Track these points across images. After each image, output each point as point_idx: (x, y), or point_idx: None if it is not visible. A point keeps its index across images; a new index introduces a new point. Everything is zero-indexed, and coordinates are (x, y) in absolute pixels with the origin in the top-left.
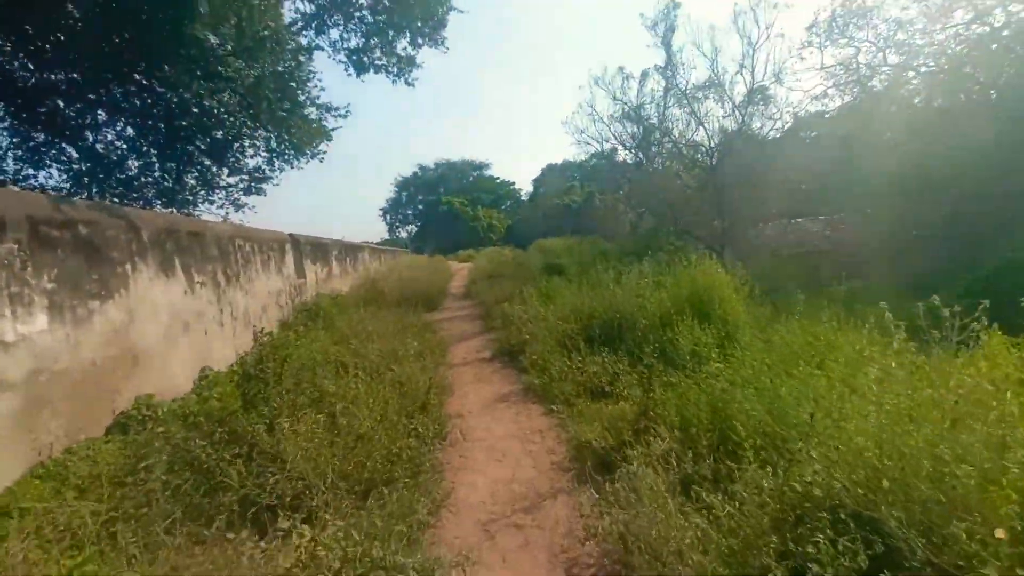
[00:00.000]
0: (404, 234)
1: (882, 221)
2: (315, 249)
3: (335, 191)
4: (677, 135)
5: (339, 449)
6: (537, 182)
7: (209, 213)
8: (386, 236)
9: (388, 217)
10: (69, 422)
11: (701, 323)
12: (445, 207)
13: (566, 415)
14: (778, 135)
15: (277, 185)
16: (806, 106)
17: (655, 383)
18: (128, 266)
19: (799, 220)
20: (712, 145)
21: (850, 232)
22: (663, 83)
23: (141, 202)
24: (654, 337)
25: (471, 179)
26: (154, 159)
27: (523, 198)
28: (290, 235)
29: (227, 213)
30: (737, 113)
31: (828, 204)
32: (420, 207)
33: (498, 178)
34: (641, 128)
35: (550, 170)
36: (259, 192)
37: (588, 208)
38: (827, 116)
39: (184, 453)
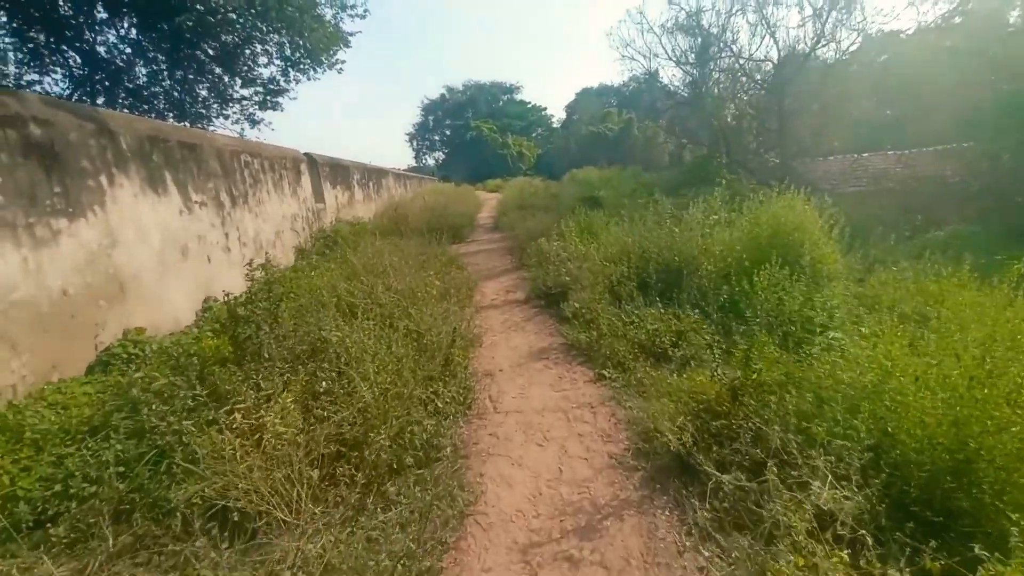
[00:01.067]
0: (431, 161)
1: (969, 158)
2: (335, 172)
3: (361, 115)
4: (739, 49)
5: (329, 430)
6: (571, 108)
7: (224, 128)
8: (413, 163)
9: (415, 143)
10: (37, 360)
11: (784, 272)
12: (473, 132)
13: (621, 384)
14: (856, 48)
15: (295, 99)
16: (898, 13)
17: (755, 355)
18: (103, 179)
19: (865, 155)
20: (780, 59)
21: (928, 168)
22: None
23: (153, 114)
24: (728, 289)
25: (501, 103)
26: (163, 66)
27: (555, 125)
28: (306, 154)
29: (242, 129)
30: (816, 20)
31: (900, 136)
32: (447, 133)
33: (529, 103)
34: (699, 39)
35: (585, 95)
36: (275, 107)
37: (626, 137)
38: (904, 36)
39: (145, 416)
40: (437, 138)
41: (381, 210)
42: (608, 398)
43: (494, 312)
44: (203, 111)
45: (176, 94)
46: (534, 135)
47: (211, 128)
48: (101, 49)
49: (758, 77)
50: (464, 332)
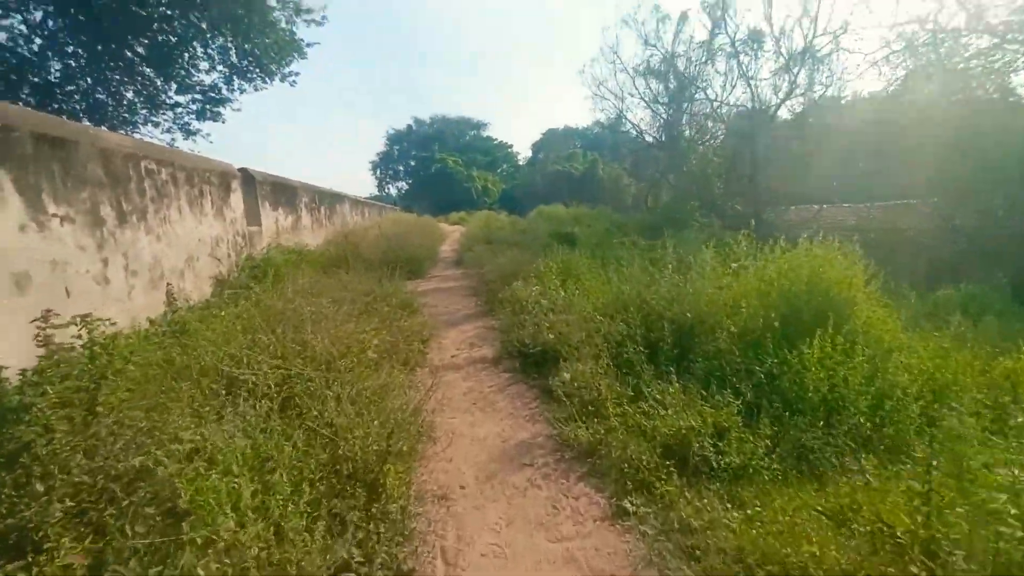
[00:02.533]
0: (394, 191)
1: (947, 214)
2: (278, 192)
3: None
4: (714, 94)
5: None
6: (537, 146)
7: (153, 137)
8: (375, 192)
9: (378, 171)
10: None
11: (822, 338)
12: (439, 165)
13: (656, 529)
14: (826, 104)
15: (238, 111)
16: (861, 72)
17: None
18: None
19: (825, 206)
20: (754, 106)
21: (897, 221)
22: (705, 27)
23: (64, 115)
24: (757, 359)
25: (468, 138)
26: (83, 62)
27: (520, 163)
28: (241, 169)
29: (173, 140)
30: (790, 72)
31: (858, 191)
32: (412, 163)
33: (496, 139)
34: (673, 82)
35: (551, 134)
36: (215, 117)
37: (591, 177)
38: (865, 97)
39: None
40: (401, 168)
41: (332, 238)
42: (642, 560)
43: (455, 376)
44: (128, 115)
45: (97, 95)
46: (499, 171)
47: (137, 135)
48: (1, 35)
49: (730, 124)
50: (408, 422)
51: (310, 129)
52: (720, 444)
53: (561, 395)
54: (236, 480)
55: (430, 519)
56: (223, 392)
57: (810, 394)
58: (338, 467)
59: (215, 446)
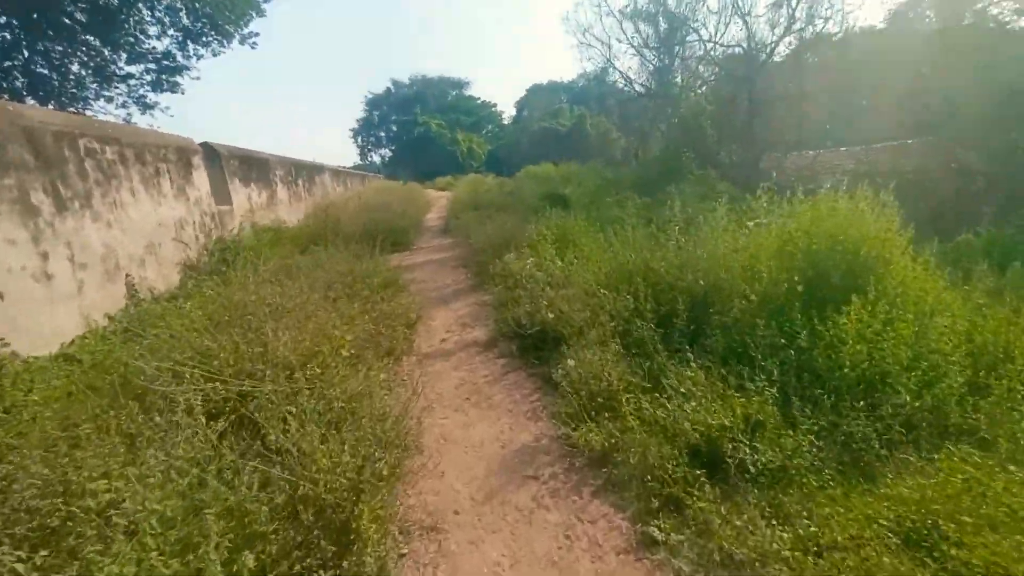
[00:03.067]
0: (377, 159)
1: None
2: (248, 167)
3: (304, 112)
4: (708, 35)
5: None
6: (521, 104)
7: (107, 113)
8: (358, 161)
9: (359, 139)
10: None
11: (847, 306)
12: (421, 129)
13: (692, 564)
14: (825, 39)
15: (197, 79)
16: (862, 3)
17: None
18: None
19: (821, 152)
20: (751, 46)
21: (892, 162)
22: None
23: (6, 95)
24: (781, 331)
25: (450, 98)
26: (17, 33)
27: (505, 122)
28: (203, 144)
29: (129, 115)
30: (788, 5)
31: (860, 133)
32: (394, 129)
33: (479, 98)
34: (665, 24)
35: (535, 91)
36: (173, 87)
37: (578, 133)
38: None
39: None
40: (383, 134)
41: (312, 212)
42: None
43: (445, 366)
44: (76, 91)
45: (39, 69)
46: (484, 132)
47: (90, 113)
48: None
49: (724, 67)
50: (389, 437)
51: (287, 102)
52: (755, 442)
53: (565, 386)
54: (152, 555)
55: (418, 561)
56: (159, 416)
57: (847, 370)
58: (299, 510)
59: (134, 497)
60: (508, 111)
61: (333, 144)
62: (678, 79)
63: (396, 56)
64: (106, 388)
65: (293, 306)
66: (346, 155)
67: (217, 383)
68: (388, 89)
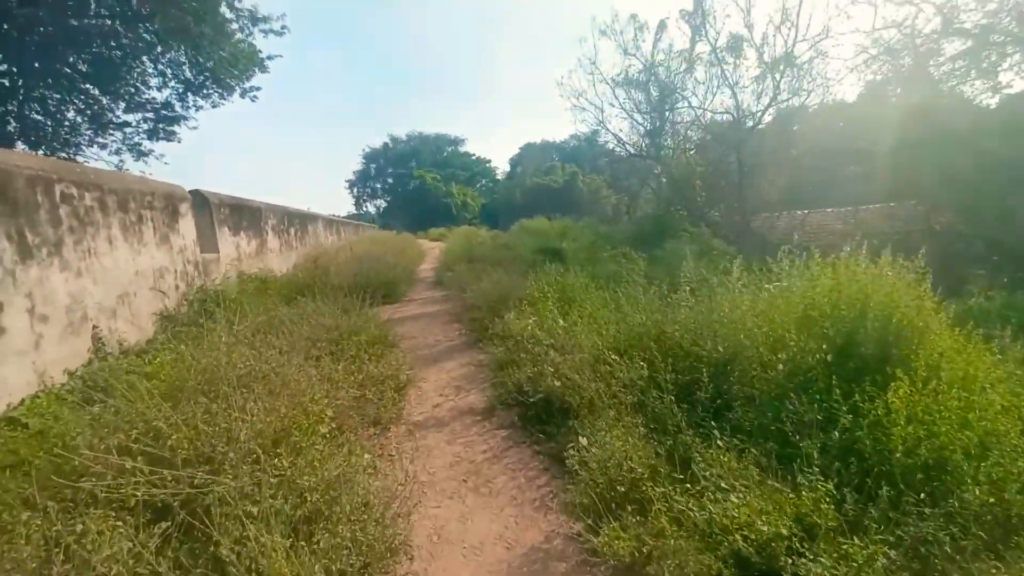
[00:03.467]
0: (372, 208)
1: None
2: (238, 214)
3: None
4: (697, 102)
5: None
6: (515, 160)
7: (99, 160)
8: (353, 211)
9: (355, 190)
10: None
11: (883, 380)
12: (417, 181)
13: None
14: (809, 110)
15: (195, 128)
16: (841, 78)
17: None
18: None
19: (807, 212)
20: (740, 115)
21: (876, 224)
22: (685, 35)
23: None
24: (811, 406)
25: (445, 154)
26: (16, 79)
27: (499, 177)
28: (194, 191)
29: (121, 162)
30: (773, 78)
31: (846, 196)
32: (390, 181)
33: (473, 155)
34: (656, 91)
35: (529, 148)
36: (169, 136)
37: (571, 189)
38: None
39: None
40: (379, 186)
41: (301, 262)
42: None
43: (438, 438)
44: (70, 136)
45: (35, 115)
46: (479, 186)
47: (81, 158)
48: None
49: (713, 131)
50: (372, 543)
51: (284, 150)
52: (814, 550)
53: (580, 472)
54: None
55: None
56: (88, 513)
57: (899, 455)
58: None
59: None
60: (502, 167)
61: (328, 194)
62: (668, 141)
63: (395, 112)
64: (45, 465)
65: (268, 370)
66: (340, 205)
67: (165, 472)
68: (386, 144)
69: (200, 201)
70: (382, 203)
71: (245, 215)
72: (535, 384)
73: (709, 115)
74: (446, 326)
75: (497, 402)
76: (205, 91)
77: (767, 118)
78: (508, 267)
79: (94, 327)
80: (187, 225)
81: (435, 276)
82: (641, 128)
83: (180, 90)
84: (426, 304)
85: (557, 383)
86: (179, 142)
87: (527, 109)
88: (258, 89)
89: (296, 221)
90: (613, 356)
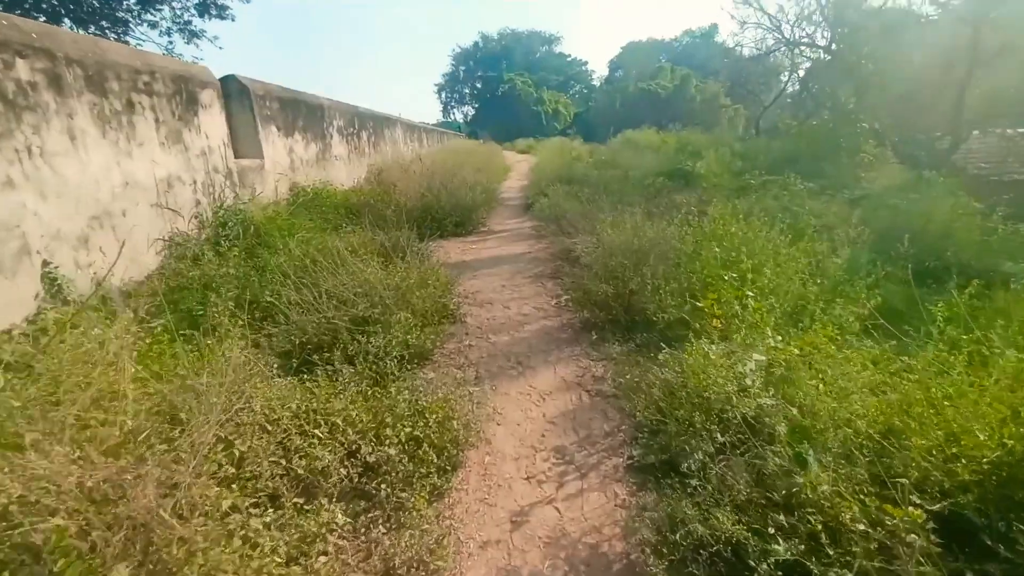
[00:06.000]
0: (460, 116)
1: None
2: (292, 111)
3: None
4: None
5: None
6: (615, 64)
7: (148, 41)
8: (441, 118)
9: (443, 95)
10: None
11: None
12: (506, 86)
13: None
14: None
15: (249, 1)
16: None
17: None
18: None
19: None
20: None
21: None
22: None
23: (42, 17)
24: None
25: (538, 55)
26: None
27: (595, 82)
28: (227, 78)
29: (170, 44)
30: None
31: None
32: (478, 85)
33: (569, 55)
34: None
35: (632, 49)
36: (221, 14)
37: (681, 96)
38: None
39: None
40: (468, 91)
41: (368, 175)
42: None
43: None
44: (111, 13)
45: None
46: (572, 92)
47: (128, 40)
48: None
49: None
50: None
51: (374, 55)
52: None
53: None
54: None
55: None
56: None
57: None
58: None
59: None
60: (600, 71)
61: (416, 100)
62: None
63: (488, 10)
64: None
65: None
66: (430, 114)
67: None
68: (476, 43)
69: (237, 91)
70: (470, 110)
71: (302, 113)
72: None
73: None
74: (536, 283)
75: (670, 527)
76: None
77: None
78: (622, 196)
79: (44, 262)
80: (213, 120)
81: (522, 199)
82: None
83: None
84: (510, 241)
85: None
86: (232, 20)
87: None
88: None
89: (369, 124)
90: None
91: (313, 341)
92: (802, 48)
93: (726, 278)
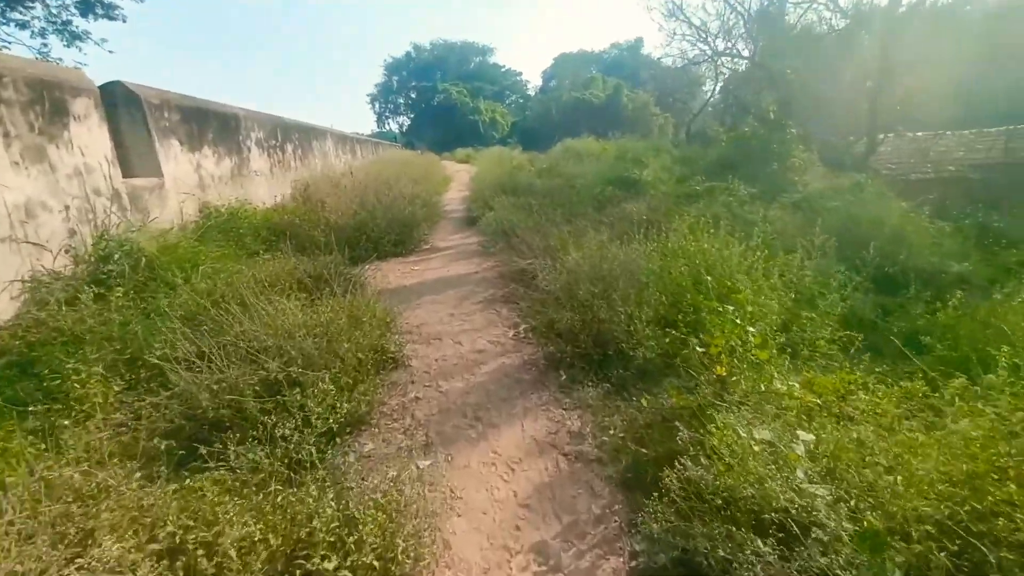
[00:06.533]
0: (395, 126)
1: None
2: (198, 123)
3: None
4: None
5: None
6: (548, 74)
7: (17, 43)
8: (376, 128)
9: (377, 105)
10: None
11: None
12: (441, 96)
13: None
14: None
15: (143, 1)
16: None
17: None
18: None
19: (927, 134)
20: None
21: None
22: None
23: None
24: None
25: (472, 65)
26: None
27: (530, 92)
28: (110, 84)
29: (45, 47)
30: None
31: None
32: (413, 96)
33: (504, 66)
34: None
35: (564, 59)
36: (109, 14)
37: (613, 105)
38: None
39: None
40: (402, 101)
41: (299, 190)
42: None
43: None
44: None
45: None
46: (508, 102)
47: None
48: None
49: (859, 16)
50: None
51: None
52: None
53: None
54: None
55: None
56: None
57: None
58: None
59: None
60: (534, 81)
61: (348, 111)
62: (773, 34)
63: (417, 22)
64: None
65: None
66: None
67: None
68: (408, 53)
69: (125, 100)
70: (406, 120)
71: (212, 124)
72: None
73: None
74: (490, 311)
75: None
76: None
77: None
78: (572, 206)
79: None
80: (90, 133)
81: (465, 210)
82: (737, 13)
83: None
84: (456, 259)
85: None
86: (123, 21)
87: (561, 14)
88: None
89: (295, 136)
90: None
91: (208, 416)
92: (726, 59)
93: (721, 309)
